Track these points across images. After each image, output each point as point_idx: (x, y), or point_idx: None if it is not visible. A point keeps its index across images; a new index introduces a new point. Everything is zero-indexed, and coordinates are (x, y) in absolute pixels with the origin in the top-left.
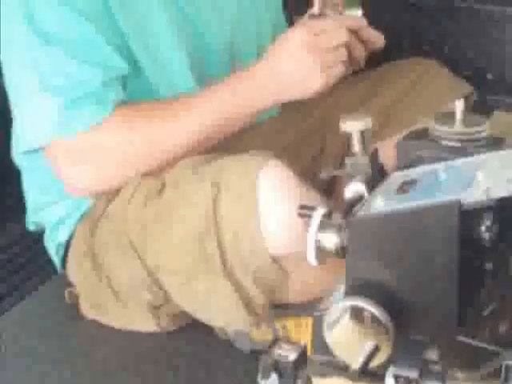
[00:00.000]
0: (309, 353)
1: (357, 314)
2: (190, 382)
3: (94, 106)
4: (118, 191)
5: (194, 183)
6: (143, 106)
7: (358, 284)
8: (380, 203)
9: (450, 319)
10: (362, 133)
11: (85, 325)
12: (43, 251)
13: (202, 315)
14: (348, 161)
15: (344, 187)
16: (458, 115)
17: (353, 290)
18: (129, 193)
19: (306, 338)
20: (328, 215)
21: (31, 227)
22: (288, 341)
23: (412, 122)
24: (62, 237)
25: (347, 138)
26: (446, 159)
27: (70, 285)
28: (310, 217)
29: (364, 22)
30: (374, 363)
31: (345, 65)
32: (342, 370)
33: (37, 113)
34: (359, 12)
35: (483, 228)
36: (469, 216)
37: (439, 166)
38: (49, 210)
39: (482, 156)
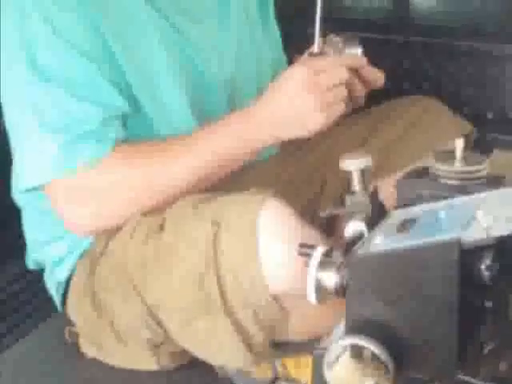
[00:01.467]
0: None
1: (357, 352)
2: None
3: (94, 145)
4: (117, 229)
5: (194, 222)
6: (143, 144)
7: (358, 322)
8: (380, 241)
9: (450, 358)
10: (362, 171)
11: (85, 363)
12: (43, 289)
13: (202, 353)
14: (348, 199)
15: (344, 225)
16: (458, 154)
17: (353, 329)
18: (129, 231)
19: (305, 376)
20: (328, 254)
21: (31, 265)
22: (288, 379)
23: (412, 161)
24: (62, 275)
25: (347, 176)
26: (445, 198)
27: (70, 323)
28: (309, 255)
29: (364, 60)
30: None
31: (345, 103)
32: None
33: (37, 151)
34: (359, 51)
35: (483, 266)
36: (469, 254)
37: (439, 205)
38: (49, 248)
39: (482, 194)
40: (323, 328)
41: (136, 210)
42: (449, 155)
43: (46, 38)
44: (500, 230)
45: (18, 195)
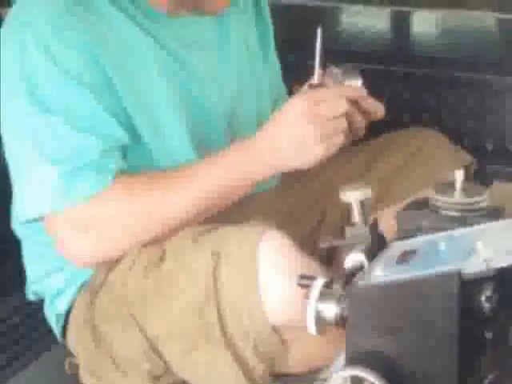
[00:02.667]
0: None
1: (357, 383)
2: None
3: (94, 176)
4: (117, 261)
5: (194, 253)
6: (143, 175)
7: (358, 353)
8: (380, 273)
9: None
10: (362, 203)
11: None
12: (43, 321)
13: None
14: (348, 230)
15: (344, 257)
16: (458, 185)
17: (353, 360)
18: (129, 262)
19: None
20: (328, 285)
21: (31, 297)
22: None
23: (412, 192)
24: (62, 306)
25: (347, 207)
26: (446, 229)
27: (70, 355)
28: (309, 287)
29: (364, 91)
30: None
31: (345, 135)
32: None
33: (37, 182)
34: (359, 82)
35: (483, 298)
36: (469, 286)
37: (439, 236)
38: (49, 279)
39: (482, 226)
40: (323, 359)
41: (136, 242)
42: (449, 187)
43: (45, 70)
44: (500, 262)
45: (18, 227)
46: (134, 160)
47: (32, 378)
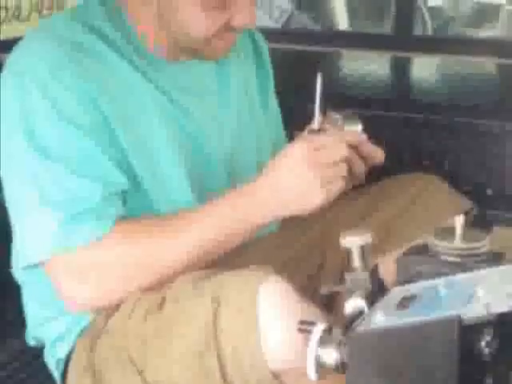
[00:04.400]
0: None
1: None
2: None
3: (94, 222)
4: (118, 306)
5: (194, 298)
6: (143, 221)
7: None
8: (380, 318)
9: None
10: (362, 248)
11: None
12: (43, 366)
13: None
14: (348, 276)
15: (344, 302)
16: (458, 230)
17: None
18: (129, 308)
19: None
20: (328, 330)
21: (31, 342)
22: None
23: (412, 238)
24: (62, 352)
25: (347, 253)
26: (446, 274)
27: None
28: (310, 332)
29: (364, 137)
30: None
31: (345, 180)
32: None
33: (37, 228)
34: (359, 127)
35: (483, 343)
36: (469, 331)
37: (439, 282)
38: (49, 325)
39: (482, 271)
40: None
41: (136, 287)
42: (449, 232)
43: (45, 115)
44: (500, 307)
45: (18, 272)
46: (134, 205)
47: None
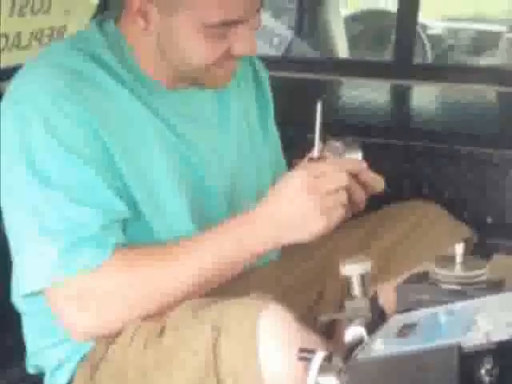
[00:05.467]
0: None
1: None
2: None
3: (94, 250)
4: (117, 334)
5: (194, 327)
6: (143, 249)
7: None
8: (380, 347)
9: None
10: (362, 276)
11: None
12: None
13: None
14: (348, 304)
15: (344, 330)
16: (458, 259)
17: None
18: (129, 336)
19: None
20: (328, 359)
21: (31, 370)
22: None
23: (412, 266)
24: (62, 380)
25: (347, 281)
26: (445, 302)
27: None
28: (310, 360)
29: (364, 165)
30: None
31: (345, 208)
32: None
33: (37, 256)
34: (359, 155)
35: (483, 371)
36: (469, 359)
37: (439, 310)
38: (49, 353)
39: (482, 299)
40: None
41: (136, 315)
42: (449, 260)
43: (45, 143)
44: (500, 335)
45: (19, 300)
46: (134, 233)
47: None
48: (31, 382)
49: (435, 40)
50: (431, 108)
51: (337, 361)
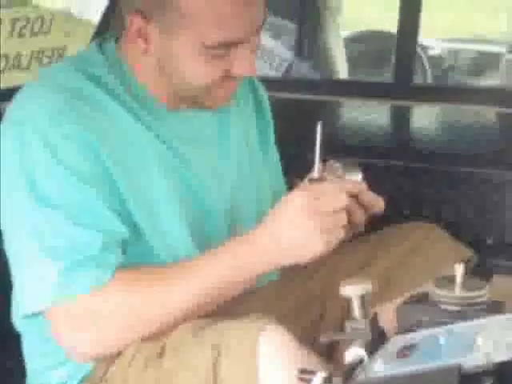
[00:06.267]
0: None
1: None
2: None
3: (93, 270)
4: (117, 355)
5: (194, 347)
6: (143, 270)
7: None
8: (380, 367)
9: None
10: (362, 297)
11: None
12: None
13: None
14: (348, 325)
15: (344, 351)
16: (458, 279)
17: None
18: (129, 356)
19: None
20: (328, 379)
21: None
22: None
23: (412, 286)
24: None
25: (347, 302)
26: (446, 323)
27: None
28: (310, 381)
29: (364, 186)
30: None
31: (345, 229)
32: None
33: (37, 277)
34: (359, 176)
35: None
36: (469, 380)
37: (439, 330)
38: (49, 373)
39: (482, 320)
40: None
41: (136, 336)
42: (449, 281)
43: (45, 164)
44: (500, 356)
45: (19, 321)
46: (134, 254)
47: None
48: None
49: (435, 61)
50: (431, 129)
51: (337, 381)
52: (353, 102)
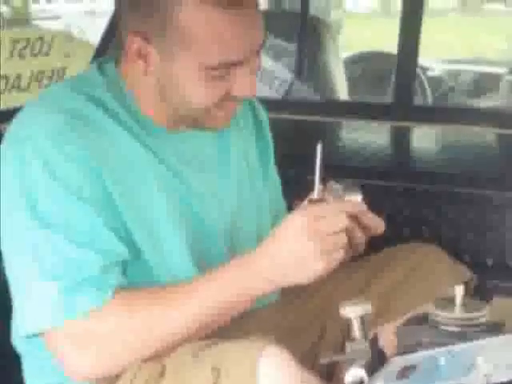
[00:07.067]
0: None
1: None
2: None
3: (93, 291)
4: (118, 376)
5: (194, 368)
6: (143, 291)
7: None
8: None
9: None
10: (362, 318)
11: None
12: None
13: None
14: (348, 346)
15: (344, 372)
16: (458, 300)
17: None
18: (129, 378)
19: None
20: None
21: None
22: None
23: (412, 307)
24: None
25: (347, 323)
26: (446, 344)
27: None
28: None
29: (364, 207)
30: None
31: (345, 250)
32: None
33: (37, 298)
34: (359, 197)
35: None
36: None
37: (439, 351)
38: None
39: (482, 341)
40: None
41: (136, 357)
42: (449, 302)
43: (45, 185)
44: (500, 377)
45: (18, 341)
46: (134, 275)
47: None
48: None
49: (435, 82)
50: (431, 150)
51: None
52: (353, 123)
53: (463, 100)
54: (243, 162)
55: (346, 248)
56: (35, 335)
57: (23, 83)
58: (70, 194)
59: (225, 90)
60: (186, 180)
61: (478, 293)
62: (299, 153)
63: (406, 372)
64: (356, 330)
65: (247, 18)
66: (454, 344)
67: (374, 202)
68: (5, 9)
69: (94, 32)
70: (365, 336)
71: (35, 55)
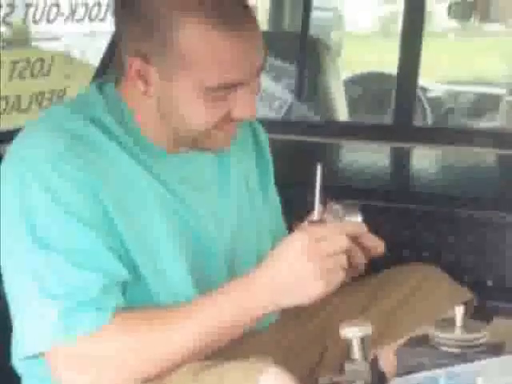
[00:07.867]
0: None
1: None
2: None
3: (93, 313)
4: None
5: None
6: (143, 312)
7: None
8: None
9: None
10: (362, 339)
11: None
12: None
13: None
14: (348, 367)
15: None
16: (458, 321)
17: None
18: None
19: None
20: None
21: None
22: None
23: (412, 329)
24: None
25: (347, 343)
26: (446, 365)
27: None
28: None
29: (364, 228)
30: None
31: (345, 271)
32: None
33: (37, 319)
34: (359, 218)
35: None
36: None
37: (439, 372)
38: None
39: (482, 362)
40: None
41: (136, 379)
42: (449, 323)
43: (45, 207)
44: None
45: (18, 362)
46: (134, 296)
47: None
48: None
49: (435, 103)
50: (431, 171)
51: None
52: (353, 144)
53: (463, 121)
54: (243, 183)
55: (346, 269)
56: (35, 356)
57: (23, 104)
58: (69, 216)
59: (225, 111)
60: (186, 201)
61: (478, 314)
62: (299, 173)
63: None
64: (356, 351)
65: (247, 40)
66: (454, 365)
67: (373, 223)
68: (4, 29)
69: (94, 53)
70: (365, 357)
71: (35, 76)
